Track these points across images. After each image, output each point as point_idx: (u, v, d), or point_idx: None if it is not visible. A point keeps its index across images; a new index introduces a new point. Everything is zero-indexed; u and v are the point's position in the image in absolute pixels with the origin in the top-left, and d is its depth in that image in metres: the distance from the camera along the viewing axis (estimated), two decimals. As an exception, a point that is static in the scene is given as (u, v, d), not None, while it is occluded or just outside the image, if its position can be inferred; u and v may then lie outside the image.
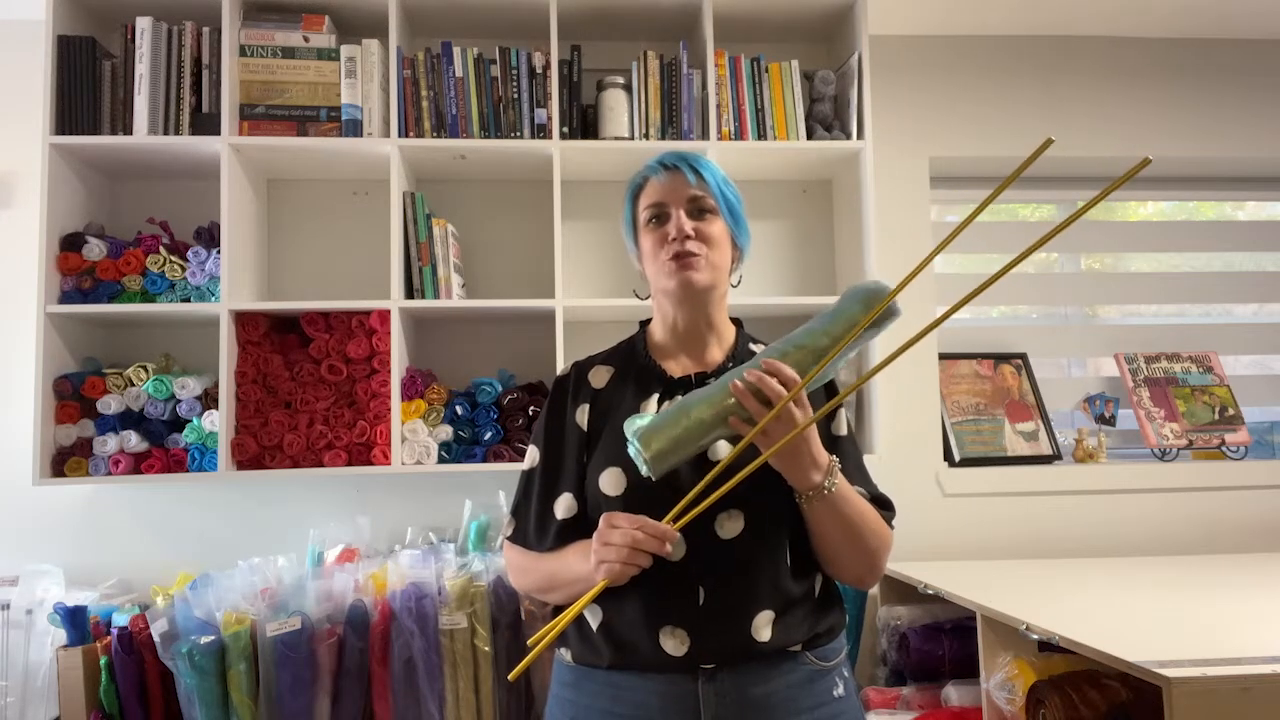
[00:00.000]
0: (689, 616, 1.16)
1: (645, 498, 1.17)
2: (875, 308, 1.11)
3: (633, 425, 1.14)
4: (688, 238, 1.24)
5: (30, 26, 2.18)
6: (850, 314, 1.13)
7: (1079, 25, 2.51)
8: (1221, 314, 2.87)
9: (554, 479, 1.28)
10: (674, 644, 1.15)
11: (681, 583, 1.17)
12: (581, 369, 1.34)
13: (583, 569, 1.16)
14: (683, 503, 1.11)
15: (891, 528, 1.27)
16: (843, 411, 1.30)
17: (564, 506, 1.25)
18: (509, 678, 1.24)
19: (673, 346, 1.32)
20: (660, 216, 1.28)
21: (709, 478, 1.11)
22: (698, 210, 1.27)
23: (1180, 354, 2.66)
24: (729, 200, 1.29)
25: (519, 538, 1.30)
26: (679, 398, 1.19)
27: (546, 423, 1.31)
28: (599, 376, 1.32)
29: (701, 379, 1.27)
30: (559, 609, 1.30)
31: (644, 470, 1.12)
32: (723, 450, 1.19)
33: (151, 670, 1.78)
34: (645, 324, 1.38)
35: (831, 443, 1.27)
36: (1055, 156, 2.54)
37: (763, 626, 1.16)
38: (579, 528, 1.23)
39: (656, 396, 1.27)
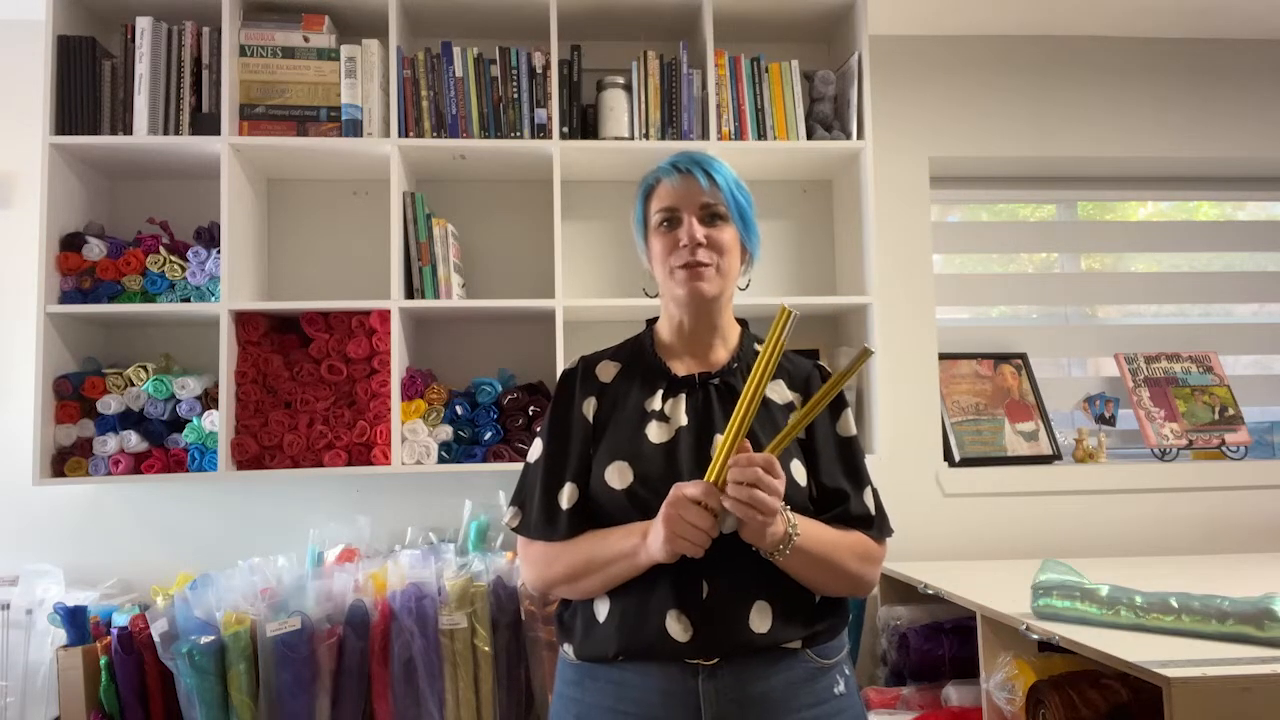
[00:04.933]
0: (693, 610, 1.17)
1: (650, 491, 1.19)
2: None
3: None
4: (699, 245, 1.26)
5: (30, 26, 2.18)
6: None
7: (1078, 25, 2.51)
8: (1221, 314, 2.87)
9: (559, 470, 1.28)
10: (680, 629, 1.16)
11: (686, 575, 1.18)
12: (589, 364, 1.36)
13: (626, 545, 1.18)
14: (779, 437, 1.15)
15: (884, 538, 1.29)
16: (849, 411, 1.32)
17: (566, 496, 1.26)
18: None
19: (679, 346, 1.34)
20: (672, 221, 1.29)
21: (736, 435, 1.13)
22: (710, 216, 1.28)
23: (1180, 354, 2.66)
24: (740, 206, 1.31)
25: (526, 529, 1.30)
26: None
27: (552, 415, 1.33)
28: (606, 371, 1.34)
29: (706, 378, 1.29)
30: (560, 611, 1.31)
31: None
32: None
33: (151, 670, 1.77)
34: (652, 322, 1.40)
35: (842, 444, 1.30)
36: (1055, 157, 2.54)
37: (761, 620, 1.18)
38: (584, 515, 1.25)
39: (661, 393, 1.28)
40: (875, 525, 1.28)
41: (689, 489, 1.12)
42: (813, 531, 1.19)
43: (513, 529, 1.32)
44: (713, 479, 1.12)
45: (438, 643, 1.83)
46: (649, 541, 1.15)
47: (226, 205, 2.01)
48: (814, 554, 1.18)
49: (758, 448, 1.17)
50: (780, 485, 1.12)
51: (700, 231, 1.26)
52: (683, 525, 1.11)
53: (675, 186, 1.29)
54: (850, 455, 1.30)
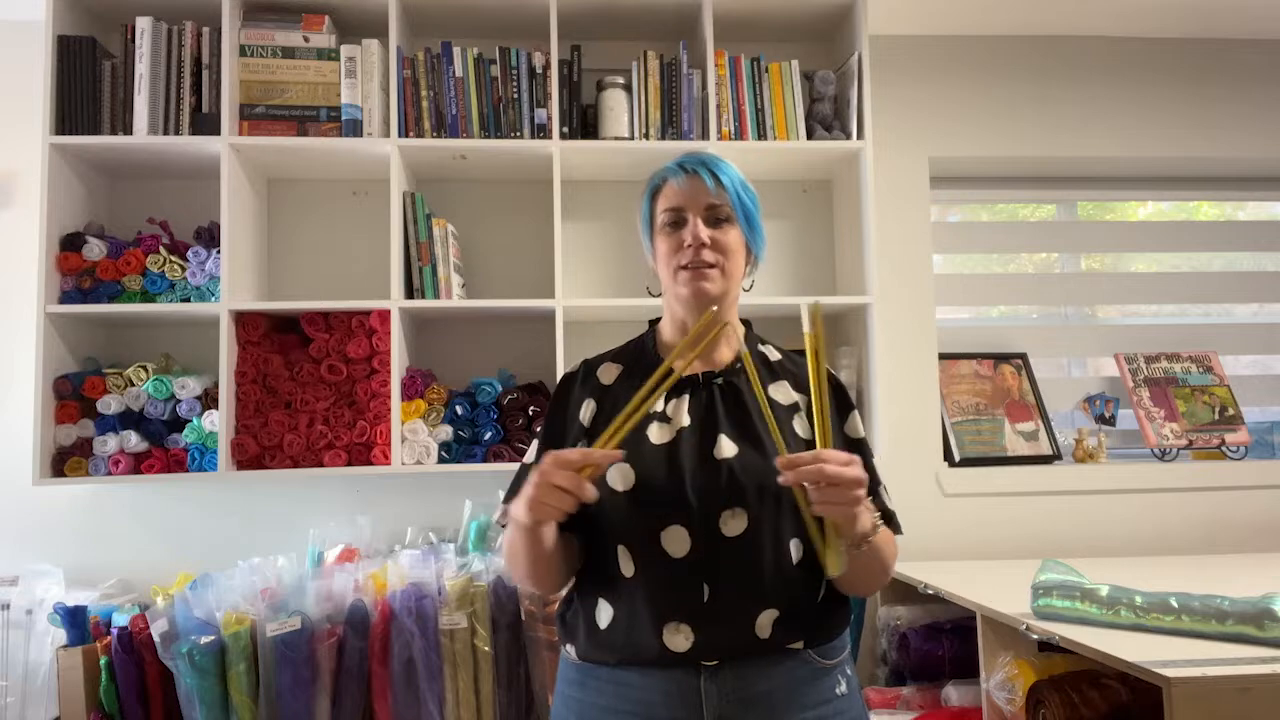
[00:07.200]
0: (694, 613, 1.17)
1: (653, 493, 1.19)
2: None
3: None
4: (703, 245, 1.26)
5: (30, 26, 2.18)
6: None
7: (1079, 25, 2.51)
8: (1221, 314, 2.87)
9: None
10: (678, 640, 1.16)
11: (687, 579, 1.17)
12: (590, 366, 1.36)
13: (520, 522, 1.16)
14: (617, 421, 1.13)
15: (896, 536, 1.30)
16: (856, 414, 1.34)
17: None
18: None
19: None
20: (677, 221, 1.29)
21: (644, 391, 1.14)
22: (715, 219, 1.28)
23: (1180, 354, 2.66)
24: (746, 208, 1.31)
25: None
26: None
27: (550, 417, 1.33)
28: (608, 373, 1.34)
29: (709, 378, 1.28)
30: (563, 610, 1.31)
31: None
32: (726, 449, 1.20)
33: (151, 670, 1.77)
34: (654, 323, 1.39)
35: (851, 446, 1.30)
36: (1055, 157, 2.54)
37: (765, 623, 1.17)
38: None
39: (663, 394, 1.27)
40: (893, 523, 1.28)
41: (569, 453, 1.09)
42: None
43: (501, 526, 1.32)
44: (606, 443, 1.11)
45: (438, 643, 1.83)
46: (512, 507, 1.14)
47: (226, 205, 2.01)
48: (880, 548, 1.19)
49: (757, 446, 1.19)
50: (849, 470, 1.08)
51: (705, 232, 1.26)
52: (546, 490, 1.07)
53: (681, 187, 1.29)
54: (860, 457, 1.29)
